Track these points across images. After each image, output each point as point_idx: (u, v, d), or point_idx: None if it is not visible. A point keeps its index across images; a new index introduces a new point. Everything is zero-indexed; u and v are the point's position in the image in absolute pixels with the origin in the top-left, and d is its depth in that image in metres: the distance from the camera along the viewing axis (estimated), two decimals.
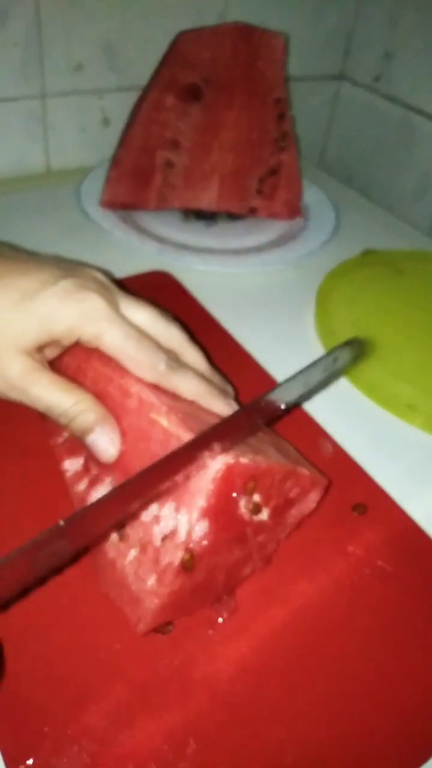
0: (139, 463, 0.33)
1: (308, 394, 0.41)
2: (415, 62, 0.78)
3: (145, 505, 0.32)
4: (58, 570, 0.30)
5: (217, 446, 0.30)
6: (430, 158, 0.78)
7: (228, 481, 0.31)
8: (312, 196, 0.76)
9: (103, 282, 0.36)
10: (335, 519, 0.40)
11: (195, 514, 0.30)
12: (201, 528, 0.31)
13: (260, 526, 0.34)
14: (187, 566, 0.31)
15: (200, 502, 0.30)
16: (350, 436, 0.46)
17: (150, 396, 0.33)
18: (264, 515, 0.34)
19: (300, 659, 0.33)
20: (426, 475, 0.45)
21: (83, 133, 0.77)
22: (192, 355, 0.38)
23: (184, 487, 0.31)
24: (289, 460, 0.36)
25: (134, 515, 0.32)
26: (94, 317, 0.33)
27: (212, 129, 0.65)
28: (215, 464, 0.30)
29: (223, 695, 0.32)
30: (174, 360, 0.36)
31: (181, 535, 0.31)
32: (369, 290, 0.62)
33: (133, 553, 0.32)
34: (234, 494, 0.32)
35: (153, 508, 0.32)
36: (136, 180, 0.66)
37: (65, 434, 0.38)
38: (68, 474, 0.37)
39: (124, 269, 0.60)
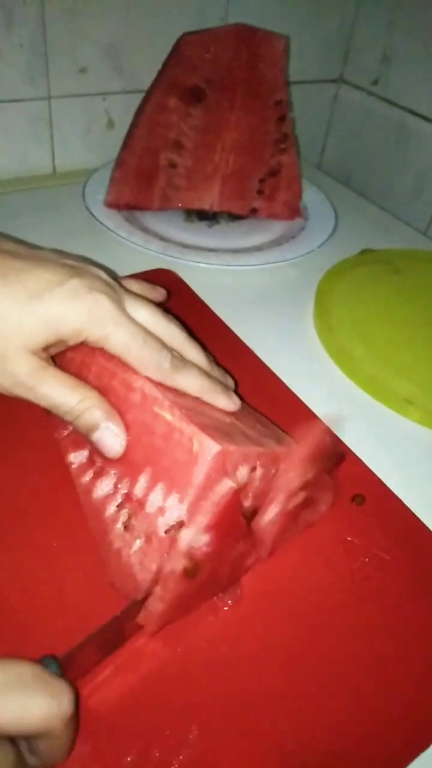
0: (143, 456, 0.34)
1: None
2: (413, 66, 0.79)
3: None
4: None
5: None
6: (427, 159, 0.79)
7: (221, 471, 0.32)
8: (311, 196, 0.77)
9: (108, 281, 0.37)
10: (335, 509, 0.40)
11: (200, 525, 0.32)
12: (204, 538, 0.32)
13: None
14: (190, 574, 0.32)
15: (205, 517, 0.32)
16: (349, 429, 0.47)
17: (153, 390, 0.34)
18: (248, 502, 0.35)
19: (301, 646, 0.34)
20: (423, 468, 0.46)
21: (88, 134, 0.78)
22: (192, 352, 0.39)
23: (184, 477, 0.32)
24: (271, 437, 0.37)
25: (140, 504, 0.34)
26: (102, 320, 0.34)
27: (214, 130, 0.66)
28: (210, 452, 0.31)
29: (225, 682, 0.33)
30: (177, 358, 0.37)
31: (184, 541, 0.32)
32: (367, 288, 0.63)
33: (138, 543, 0.33)
34: (239, 505, 0.33)
35: (157, 500, 0.33)
36: (139, 181, 0.67)
37: (70, 427, 0.39)
38: (73, 466, 0.38)
39: (128, 268, 0.61)
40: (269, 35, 0.63)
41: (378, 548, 0.39)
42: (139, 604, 0.32)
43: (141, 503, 0.34)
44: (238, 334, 0.55)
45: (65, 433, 0.39)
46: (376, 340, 0.56)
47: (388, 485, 0.43)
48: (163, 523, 0.32)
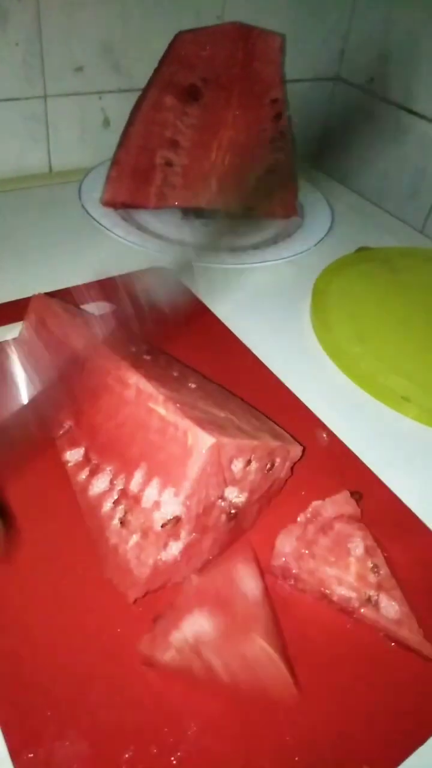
0: (138, 451, 0.34)
1: None
2: (409, 64, 0.79)
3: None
4: None
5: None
6: (423, 158, 0.79)
7: (216, 464, 0.32)
8: (308, 194, 0.77)
9: None
10: None
11: (183, 496, 0.32)
12: (188, 511, 0.32)
13: (242, 504, 0.35)
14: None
15: (188, 484, 0.32)
16: (346, 426, 0.47)
17: (147, 386, 0.34)
18: (244, 495, 0.35)
19: (298, 641, 0.34)
20: (420, 464, 0.46)
21: (84, 133, 0.78)
22: None
23: (179, 471, 0.32)
24: (266, 431, 0.37)
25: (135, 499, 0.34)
26: None
27: (211, 129, 0.66)
28: (204, 445, 0.31)
29: None
30: None
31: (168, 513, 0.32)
32: (363, 286, 0.63)
33: (134, 538, 0.33)
34: (220, 477, 0.33)
35: (153, 494, 0.33)
36: (136, 179, 0.67)
37: (65, 426, 0.39)
38: (69, 464, 0.38)
39: (125, 266, 0.61)
40: (265, 33, 0.63)
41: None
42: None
43: (137, 499, 0.34)
44: (235, 333, 0.55)
45: (61, 432, 0.39)
46: (372, 338, 0.56)
47: (385, 482, 0.43)
48: (159, 517, 0.32)
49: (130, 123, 0.66)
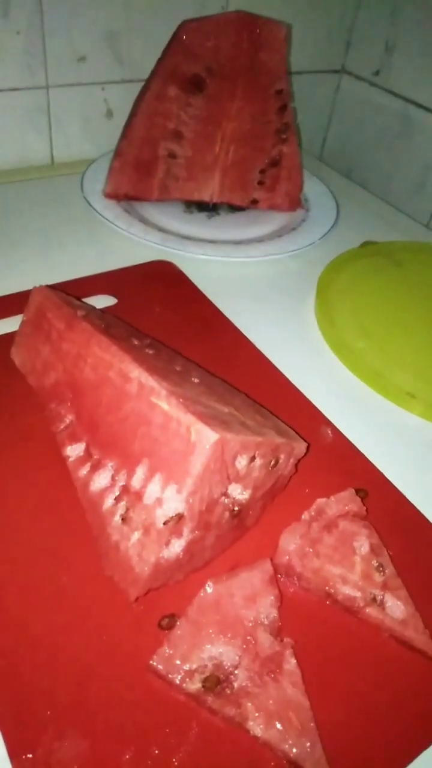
0: (140, 447, 0.34)
1: None
2: (415, 56, 0.78)
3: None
4: None
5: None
6: (429, 151, 0.78)
7: (219, 460, 0.31)
8: (313, 188, 0.76)
9: None
10: None
11: (186, 493, 0.31)
12: (192, 509, 0.32)
13: (246, 501, 0.35)
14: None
15: (191, 481, 0.31)
16: (351, 423, 0.47)
17: (150, 380, 0.34)
18: (248, 492, 0.35)
19: (302, 640, 0.33)
20: (426, 461, 0.45)
21: (87, 124, 0.77)
22: None
23: (182, 467, 0.31)
24: (270, 428, 0.37)
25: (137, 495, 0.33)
26: None
27: (215, 120, 0.65)
28: (208, 441, 0.30)
29: None
30: None
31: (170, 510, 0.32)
32: (368, 281, 0.62)
33: (136, 535, 0.33)
34: (224, 473, 0.32)
35: (155, 491, 0.32)
36: (138, 171, 0.66)
37: (66, 420, 0.39)
38: (70, 460, 0.38)
39: (127, 259, 0.61)
40: (271, 23, 0.62)
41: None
42: None
43: (139, 495, 0.33)
44: (239, 327, 0.55)
45: (62, 426, 0.39)
46: (377, 333, 0.55)
47: (390, 479, 0.42)
48: (162, 514, 0.32)
49: (132, 114, 0.65)
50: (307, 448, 0.39)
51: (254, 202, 0.71)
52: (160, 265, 0.61)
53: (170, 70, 0.62)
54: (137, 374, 0.34)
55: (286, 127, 0.67)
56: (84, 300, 0.50)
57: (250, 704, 0.30)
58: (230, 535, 0.36)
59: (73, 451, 0.38)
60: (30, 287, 0.43)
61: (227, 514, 0.35)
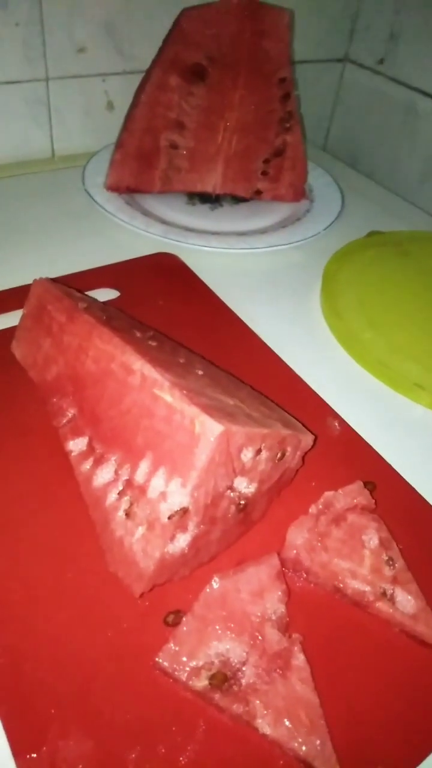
0: (144, 440, 0.33)
1: None
2: (420, 44, 0.77)
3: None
4: None
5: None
6: None
7: (224, 453, 0.31)
8: (317, 178, 0.75)
9: None
10: None
11: (190, 487, 0.30)
12: (197, 505, 0.31)
13: (252, 495, 0.34)
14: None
15: (195, 474, 0.30)
16: (358, 415, 0.46)
17: (152, 372, 0.33)
18: (254, 486, 0.34)
19: (310, 637, 0.32)
20: None
21: (87, 117, 0.76)
22: None
23: (186, 461, 0.30)
24: (276, 420, 0.36)
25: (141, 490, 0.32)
26: None
27: (217, 110, 0.64)
28: (213, 433, 0.30)
29: None
30: None
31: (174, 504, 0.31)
32: (374, 271, 0.61)
33: (140, 530, 0.32)
34: (229, 466, 0.32)
35: (159, 485, 0.32)
36: (140, 163, 0.66)
37: (68, 414, 0.38)
38: (73, 454, 0.37)
39: (130, 252, 0.60)
40: (273, 9, 0.61)
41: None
42: None
43: (143, 489, 0.32)
44: (243, 319, 0.54)
45: (64, 420, 0.38)
46: (384, 324, 0.54)
47: (399, 471, 0.42)
48: (166, 509, 0.31)
49: (133, 104, 0.64)
50: (314, 440, 0.38)
51: (258, 193, 0.70)
52: (163, 258, 0.60)
53: (171, 59, 0.62)
54: (140, 366, 0.34)
55: (290, 116, 0.66)
56: (86, 293, 0.50)
57: (258, 702, 0.29)
58: (236, 530, 0.36)
59: (76, 445, 0.37)
60: (31, 281, 0.42)
61: (233, 507, 0.34)
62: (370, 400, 0.48)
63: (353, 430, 0.44)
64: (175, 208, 0.68)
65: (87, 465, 0.36)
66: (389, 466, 0.42)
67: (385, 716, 0.30)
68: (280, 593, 0.33)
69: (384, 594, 0.34)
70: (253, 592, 0.33)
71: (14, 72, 0.68)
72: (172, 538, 0.31)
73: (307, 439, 0.37)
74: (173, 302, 0.54)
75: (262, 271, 0.62)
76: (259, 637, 0.31)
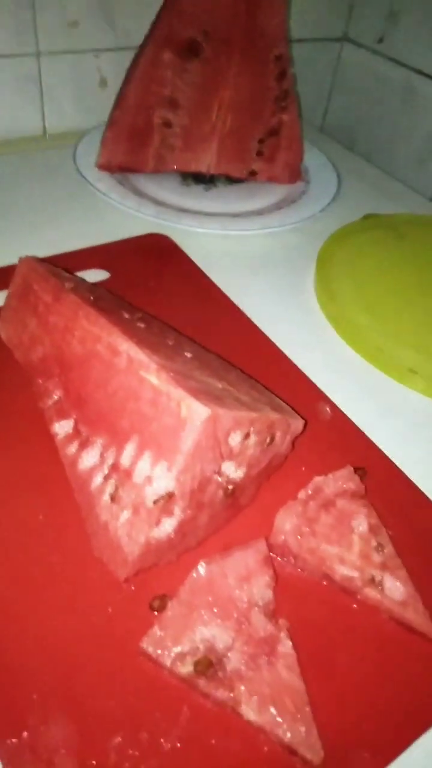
0: (129, 423, 0.32)
1: None
2: (421, 23, 0.75)
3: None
4: None
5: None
6: None
7: (211, 437, 0.30)
8: (313, 159, 0.74)
9: None
10: None
11: (176, 471, 0.30)
12: (183, 488, 0.30)
13: (240, 480, 0.34)
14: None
15: (181, 458, 0.30)
16: (350, 400, 0.45)
17: (139, 354, 0.32)
18: (242, 470, 0.33)
19: (297, 623, 0.32)
20: (427, 440, 0.44)
21: (80, 94, 0.74)
22: None
23: (172, 444, 0.30)
24: (266, 404, 0.35)
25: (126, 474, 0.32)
26: None
27: (211, 87, 0.63)
28: (199, 417, 0.29)
29: None
30: None
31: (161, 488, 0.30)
32: (370, 255, 0.60)
33: (125, 514, 0.32)
34: (216, 451, 0.31)
35: (145, 468, 0.31)
36: (133, 141, 0.64)
37: (54, 396, 0.37)
38: (58, 437, 0.36)
39: (121, 232, 0.59)
40: None
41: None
42: None
43: (128, 473, 0.32)
44: (236, 302, 0.53)
45: (49, 402, 0.37)
46: (379, 308, 0.54)
47: (390, 457, 0.41)
48: (152, 493, 0.31)
49: (126, 81, 0.63)
50: (305, 425, 0.38)
51: (253, 174, 0.69)
52: (155, 239, 0.59)
53: (164, 34, 0.60)
54: (126, 348, 0.33)
55: (286, 95, 0.64)
56: (76, 274, 0.49)
57: (243, 688, 0.29)
58: (224, 515, 0.35)
59: (62, 428, 0.36)
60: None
61: (221, 492, 0.33)
62: (362, 385, 0.48)
63: (344, 415, 0.44)
64: (168, 188, 0.67)
65: (72, 448, 0.35)
66: (380, 451, 0.42)
67: (372, 703, 0.30)
68: (267, 579, 0.33)
69: (372, 580, 0.33)
70: (240, 577, 0.32)
71: (3, 46, 0.66)
72: (158, 522, 0.31)
73: (297, 424, 0.37)
74: (164, 284, 0.53)
75: (255, 254, 0.61)
76: (246, 623, 0.31)
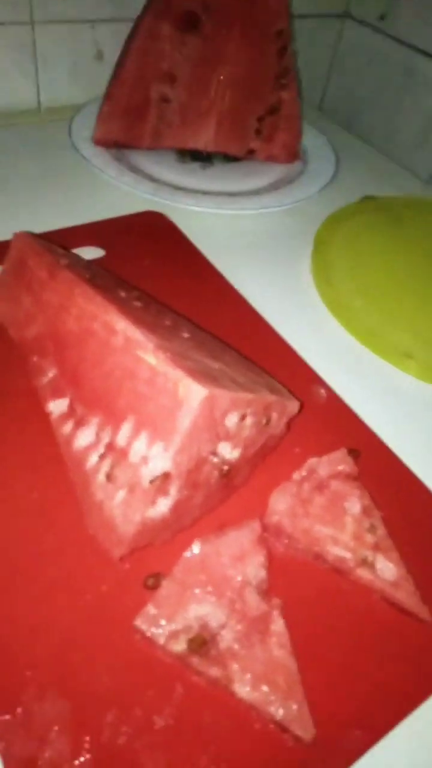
0: (126, 403, 0.32)
1: None
2: (424, 1, 0.73)
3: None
4: None
5: None
6: None
7: (208, 417, 0.30)
8: (311, 139, 0.73)
9: None
10: None
11: (173, 451, 0.30)
12: (178, 469, 0.30)
13: (236, 461, 0.34)
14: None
15: (178, 438, 0.30)
16: (346, 383, 0.45)
17: (136, 333, 0.32)
18: (238, 451, 0.33)
19: (290, 604, 0.32)
20: (420, 423, 0.44)
21: (76, 66, 0.73)
22: None
23: (169, 424, 0.30)
24: (263, 385, 0.35)
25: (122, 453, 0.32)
26: None
27: (210, 62, 0.61)
28: (196, 397, 0.29)
29: None
30: None
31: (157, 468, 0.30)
32: (367, 237, 0.60)
33: (121, 494, 0.32)
34: (213, 431, 0.31)
35: (141, 448, 0.31)
36: (129, 116, 0.63)
37: (49, 375, 0.37)
38: (53, 416, 0.36)
39: (116, 209, 0.58)
40: None
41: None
42: None
43: (124, 452, 0.32)
44: (231, 282, 0.52)
45: (44, 380, 0.37)
46: (375, 292, 0.53)
47: (384, 440, 0.41)
48: (147, 473, 0.30)
49: (123, 53, 0.61)
50: (300, 406, 0.38)
51: (251, 153, 0.68)
52: (151, 217, 0.58)
53: (163, 5, 0.59)
54: (123, 327, 0.33)
55: (286, 72, 0.63)
56: (70, 251, 0.48)
57: (236, 666, 0.29)
58: (218, 495, 0.35)
59: (56, 406, 0.36)
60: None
61: (216, 473, 0.33)
62: (358, 368, 0.48)
63: (339, 397, 0.44)
64: (165, 165, 0.66)
65: (67, 427, 0.35)
66: (374, 434, 0.42)
67: (363, 681, 0.30)
68: (261, 558, 0.33)
69: (365, 561, 0.34)
70: (234, 556, 0.33)
71: None
72: (154, 502, 0.31)
73: (293, 406, 0.37)
74: (160, 263, 0.53)
75: (252, 234, 0.60)
76: (239, 602, 0.31)
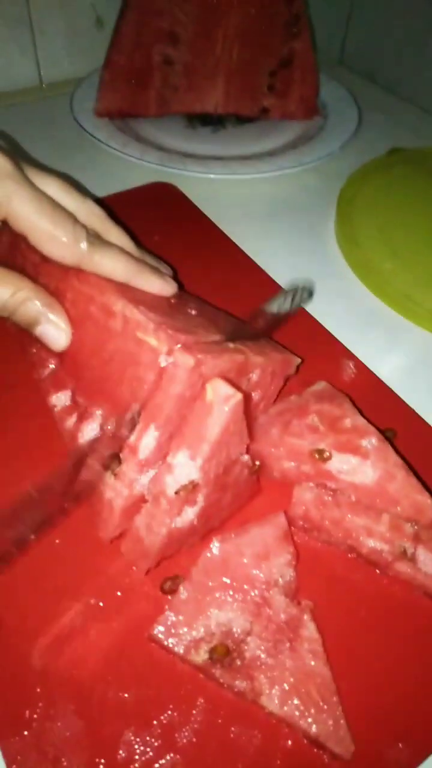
0: (129, 390, 0.29)
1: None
2: None
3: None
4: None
5: None
6: None
7: (239, 420, 0.28)
8: (331, 92, 0.68)
9: (4, 146, 0.31)
10: None
11: (201, 460, 0.28)
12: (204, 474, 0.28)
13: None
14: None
15: (207, 447, 0.27)
16: (377, 354, 0.42)
17: (135, 313, 0.29)
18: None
19: (326, 600, 0.29)
20: None
21: (75, 37, 0.69)
22: (115, 233, 0.34)
23: (195, 431, 0.27)
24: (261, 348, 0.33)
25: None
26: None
27: (214, 15, 0.57)
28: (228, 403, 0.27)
29: None
30: (95, 236, 0.31)
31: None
32: (396, 193, 0.55)
33: (124, 492, 0.29)
34: (244, 433, 0.29)
35: (150, 443, 0.28)
36: (132, 83, 0.60)
37: (50, 366, 0.34)
38: (56, 409, 0.34)
39: (124, 182, 0.55)
40: None
41: None
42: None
43: (133, 449, 0.29)
44: (248, 253, 0.49)
45: (45, 372, 0.35)
46: (407, 252, 0.49)
47: (423, 417, 0.37)
48: (173, 482, 0.29)
49: (121, 15, 0.57)
50: (298, 366, 0.36)
51: (265, 111, 0.63)
52: (160, 188, 0.55)
53: None
54: (121, 307, 0.30)
55: (297, 20, 0.58)
56: None
57: (263, 677, 0.27)
58: (248, 491, 0.33)
59: (59, 400, 0.33)
60: None
61: (246, 471, 0.31)
62: (390, 337, 0.44)
63: (370, 371, 0.40)
64: (173, 132, 0.62)
65: (71, 421, 0.33)
66: (412, 411, 0.38)
67: (406, 690, 0.27)
68: (287, 555, 0.30)
69: (404, 553, 0.30)
70: (258, 555, 0.30)
71: None
72: (179, 512, 0.28)
73: (292, 361, 0.35)
74: (171, 237, 0.50)
75: (269, 198, 0.56)
76: (265, 605, 0.28)
